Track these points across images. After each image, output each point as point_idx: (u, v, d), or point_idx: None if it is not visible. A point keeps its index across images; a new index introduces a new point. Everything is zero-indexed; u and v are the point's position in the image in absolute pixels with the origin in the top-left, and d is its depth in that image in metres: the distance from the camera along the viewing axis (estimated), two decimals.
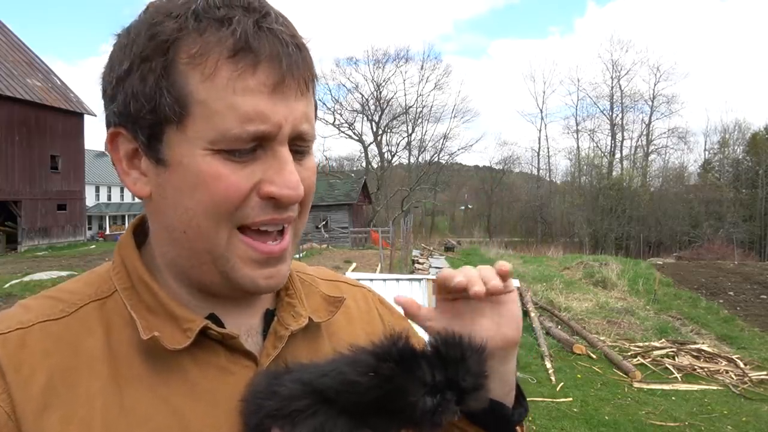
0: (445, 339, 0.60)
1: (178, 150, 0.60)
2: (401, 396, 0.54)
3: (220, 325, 0.67)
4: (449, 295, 0.72)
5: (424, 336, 0.73)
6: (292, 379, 0.59)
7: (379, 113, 50.82)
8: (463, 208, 74.34)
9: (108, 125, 0.65)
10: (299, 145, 0.64)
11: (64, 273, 14.59)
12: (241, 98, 0.58)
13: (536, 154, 62.98)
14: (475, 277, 0.68)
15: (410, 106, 51.63)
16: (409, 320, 0.74)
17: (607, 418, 6.31)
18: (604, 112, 57.64)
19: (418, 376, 0.56)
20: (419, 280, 6.89)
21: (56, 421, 0.58)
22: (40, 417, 0.58)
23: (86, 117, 30.54)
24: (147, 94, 0.59)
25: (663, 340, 9.87)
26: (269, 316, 0.73)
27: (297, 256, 20.06)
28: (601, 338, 9.79)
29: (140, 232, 0.74)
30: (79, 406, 0.60)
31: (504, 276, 0.69)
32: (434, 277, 0.73)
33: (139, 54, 0.60)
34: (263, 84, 0.58)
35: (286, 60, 0.59)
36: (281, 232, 0.65)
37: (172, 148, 0.61)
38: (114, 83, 0.62)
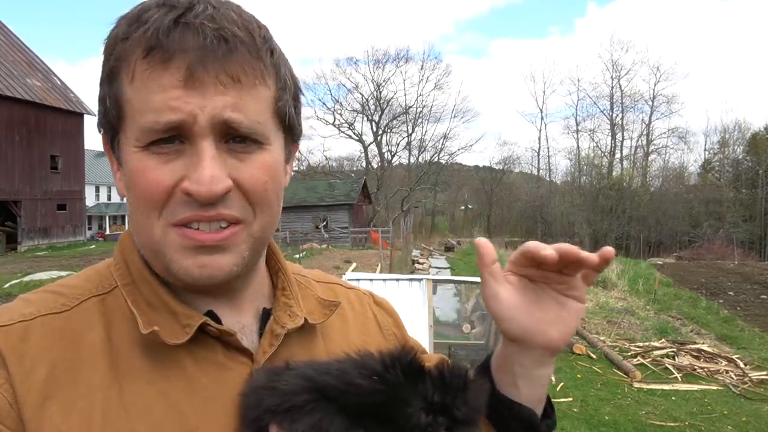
0: (451, 367, 0.60)
1: (122, 151, 0.65)
2: (400, 405, 0.55)
3: (218, 322, 0.68)
4: (523, 267, 0.67)
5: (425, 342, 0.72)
6: (295, 374, 0.59)
7: (379, 113, 50.85)
8: (463, 208, 74.36)
9: None
10: (233, 136, 0.62)
11: (64, 273, 14.59)
12: (154, 94, 0.59)
13: (536, 154, 63.06)
14: (570, 249, 0.62)
15: (410, 106, 51.63)
16: (480, 269, 0.68)
17: (607, 418, 6.32)
18: (604, 112, 57.70)
19: (419, 390, 0.56)
20: (419, 280, 6.88)
21: (57, 412, 0.59)
22: (42, 408, 0.59)
23: (86, 117, 30.56)
24: (101, 101, 0.65)
25: (663, 340, 9.87)
26: (265, 316, 0.74)
27: (297, 256, 20.04)
28: (601, 338, 9.80)
29: None
30: (80, 398, 0.61)
31: (605, 259, 0.62)
32: (522, 249, 0.66)
33: (102, 64, 0.65)
34: (175, 78, 0.59)
35: (199, 53, 0.58)
36: (223, 228, 0.63)
37: (120, 150, 0.65)
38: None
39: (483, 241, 0.67)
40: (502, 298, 0.67)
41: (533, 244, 0.64)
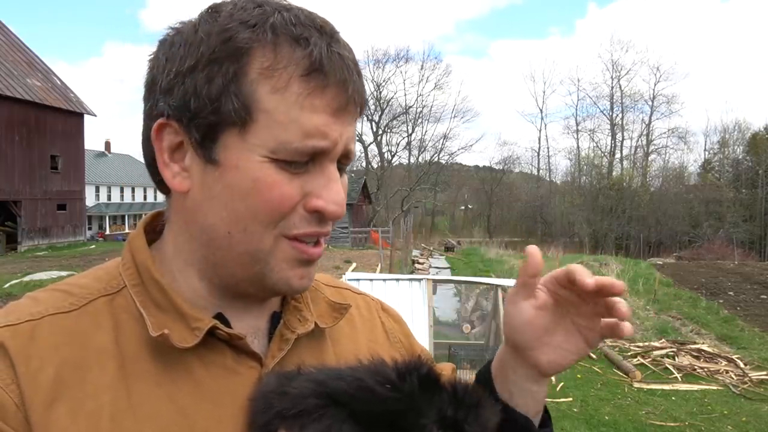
0: (466, 385, 0.60)
1: (234, 153, 0.62)
2: (415, 416, 0.54)
3: (228, 325, 0.67)
4: (559, 287, 0.68)
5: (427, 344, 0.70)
6: (306, 379, 0.59)
7: (379, 113, 50.85)
8: (463, 208, 74.34)
9: (155, 115, 0.65)
10: (343, 163, 0.67)
11: (64, 273, 14.59)
12: (307, 115, 0.61)
13: (536, 154, 63.11)
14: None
15: (410, 106, 51.71)
16: (521, 275, 0.69)
17: (607, 418, 6.32)
18: (604, 112, 57.74)
19: (435, 402, 0.56)
20: (419, 280, 6.89)
21: (64, 414, 0.59)
22: (49, 409, 0.59)
23: (86, 117, 30.56)
24: (212, 95, 0.61)
25: (663, 340, 9.87)
26: (275, 319, 0.73)
27: None
28: None
29: (151, 230, 0.74)
30: (87, 399, 0.60)
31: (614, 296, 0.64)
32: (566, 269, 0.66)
33: (208, 55, 0.60)
34: (328, 105, 0.61)
35: (352, 86, 0.63)
36: (317, 242, 0.68)
37: (229, 151, 0.62)
38: (172, 77, 0.62)
39: (533, 251, 0.67)
40: (523, 309, 0.69)
41: (579, 269, 0.64)
